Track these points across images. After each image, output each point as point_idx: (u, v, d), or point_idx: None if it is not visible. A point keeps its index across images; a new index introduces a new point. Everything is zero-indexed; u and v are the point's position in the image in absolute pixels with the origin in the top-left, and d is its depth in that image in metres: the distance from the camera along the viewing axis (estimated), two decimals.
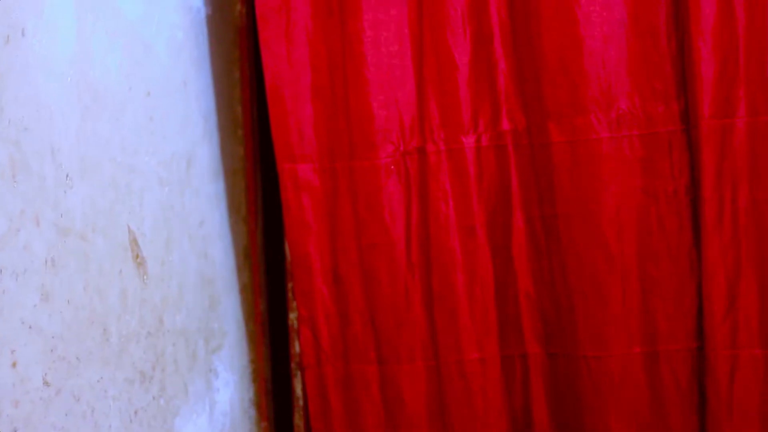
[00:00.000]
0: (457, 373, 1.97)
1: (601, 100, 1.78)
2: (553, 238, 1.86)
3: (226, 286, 2.09)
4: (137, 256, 1.70)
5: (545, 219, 1.89)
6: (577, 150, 1.80)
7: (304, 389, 2.18)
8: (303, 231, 2.08)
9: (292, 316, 2.23)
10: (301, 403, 2.23)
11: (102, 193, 1.61)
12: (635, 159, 1.80)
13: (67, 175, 1.51)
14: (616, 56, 1.77)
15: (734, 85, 1.70)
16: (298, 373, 2.23)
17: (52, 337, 1.45)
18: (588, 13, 1.77)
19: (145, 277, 1.73)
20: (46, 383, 1.43)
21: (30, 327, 1.40)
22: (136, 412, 1.67)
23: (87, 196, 1.56)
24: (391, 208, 2.01)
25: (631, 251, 1.80)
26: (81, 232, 1.54)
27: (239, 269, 2.23)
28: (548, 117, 1.84)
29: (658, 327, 1.80)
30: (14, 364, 1.36)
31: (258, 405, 2.27)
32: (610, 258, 1.79)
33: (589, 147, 1.80)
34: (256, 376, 2.27)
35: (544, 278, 1.91)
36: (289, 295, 2.24)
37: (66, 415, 1.46)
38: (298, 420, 2.25)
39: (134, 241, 1.70)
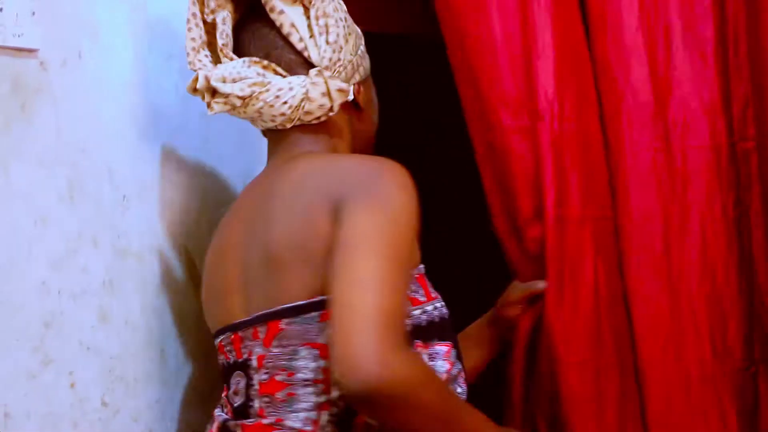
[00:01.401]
0: None
1: (653, 112, 1.72)
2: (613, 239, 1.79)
3: None
4: (194, 277, 1.70)
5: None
6: (631, 159, 1.74)
7: None
8: None
9: None
10: None
11: (159, 215, 1.62)
12: (684, 172, 1.73)
13: (124, 197, 1.52)
14: (664, 66, 1.71)
15: None
16: None
17: (110, 358, 1.45)
18: (634, 19, 1.72)
19: (202, 298, 1.73)
20: (104, 404, 1.43)
21: (88, 348, 1.41)
22: None
23: (144, 218, 1.57)
24: None
25: (679, 268, 1.73)
26: (138, 253, 1.55)
27: None
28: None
29: (706, 347, 1.72)
30: (72, 385, 1.37)
31: None
32: (658, 274, 1.72)
33: (642, 156, 1.74)
34: None
35: None
36: None
37: None
38: None
39: (191, 263, 1.70)
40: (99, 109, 1.47)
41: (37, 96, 1.33)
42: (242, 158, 1.94)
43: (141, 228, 1.56)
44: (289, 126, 1.54)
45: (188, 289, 1.69)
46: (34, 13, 1.32)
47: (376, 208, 1.35)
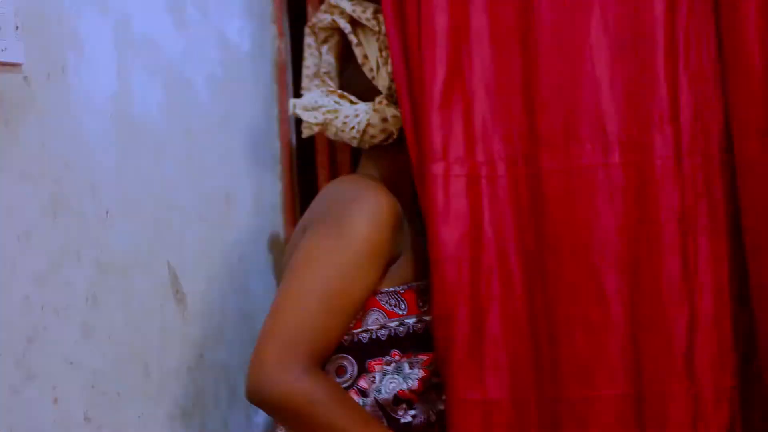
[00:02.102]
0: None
1: (596, 125, 1.67)
2: (538, 273, 1.73)
3: None
4: (177, 292, 1.70)
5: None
6: (569, 178, 1.68)
7: None
8: None
9: None
10: None
11: (142, 230, 1.62)
12: (630, 187, 1.68)
13: (107, 212, 1.52)
14: (612, 80, 1.67)
15: None
16: None
17: (93, 373, 1.45)
18: (585, 35, 1.68)
19: (185, 312, 1.73)
20: (87, 419, 1.43)
21: (71, 363, 1.40)
22: None
23: (127, 233, 1.57)
24: None
25: (623, 285, 1.68)
26: (121, 269, 1.55)
27: None
28: (539, 144, 1.71)
29: (645, 367, 1.67)
30: (55, 400, 1.36)
31: None
32: (601, 293, 1.67)
33: (581, 175, 1.68)
34: None
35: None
36: None
37: None
38: None
39: (174, 277, 1.70)
40: (83, 124, 1.47)
41: (21, 110, 1.33)
42: (225, 173, 1.94)
43: (124, 243, 1.56)
44: (366, 147, 1.72)
45: (171, 303, 1.69)
46: (17, 28, 1.32)
47: (326, 233, 1.52)
